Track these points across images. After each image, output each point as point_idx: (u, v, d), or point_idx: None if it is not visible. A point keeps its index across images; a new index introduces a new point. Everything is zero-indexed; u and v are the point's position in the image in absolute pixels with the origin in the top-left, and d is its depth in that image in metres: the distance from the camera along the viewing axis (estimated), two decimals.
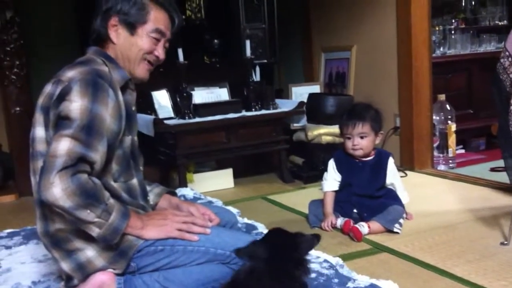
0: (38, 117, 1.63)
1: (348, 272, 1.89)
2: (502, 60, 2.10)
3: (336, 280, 1.83)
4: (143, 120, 3.11)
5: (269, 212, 2.85)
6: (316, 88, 4.18)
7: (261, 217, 2.70)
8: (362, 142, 2.39)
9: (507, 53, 2.09)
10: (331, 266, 1.94)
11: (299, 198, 3.04)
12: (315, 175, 3.40)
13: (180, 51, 3.15)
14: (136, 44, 1.72)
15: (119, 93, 1.66)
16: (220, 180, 3.43)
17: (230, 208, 2.78)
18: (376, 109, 2.43)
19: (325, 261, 1.99)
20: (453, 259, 2.01)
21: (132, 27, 1.71)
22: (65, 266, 1.67)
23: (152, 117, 3.13)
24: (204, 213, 1.84)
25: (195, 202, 2.97)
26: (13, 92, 3.51)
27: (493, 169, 3.50)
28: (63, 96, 1.54)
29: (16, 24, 3.45)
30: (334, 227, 2.43)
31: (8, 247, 2.47)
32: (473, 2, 4.77)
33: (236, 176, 3.53)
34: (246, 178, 3.64)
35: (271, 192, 3.26)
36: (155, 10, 1.73)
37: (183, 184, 3.22)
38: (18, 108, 3.50)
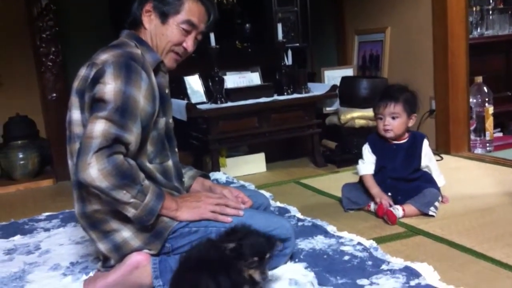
0: (74, 100, 1.65)
1: (382, 254, 1.87)
2: None
3: (370, 263, 1.81)
4: (176, 105, 3.12)
5: (302, 196, 2.84)
6: (349, 72, 4.13)
7: (294, 200, 2.69)
8: (393, 122, 2.35)
9: None
10: (365, 249, 1.92)
11: (332, 182, 3.02)
12: (348, 159, 3.37)
13: (212, 36, 3.14)
14: (166, 34, 1.72)
15: (152, 75, 1.67)
16: (252, 164, 3.44)
17: (263, 191, 2.80)
18: (411, 91, 2.38)
19: (359, 243, 1.97)
20: (490, 242, 1.97)
21: (164, 15, 1.71)
22: (102, 247, 1.70)
23: (185, 101, 3.14)
24: (237, 196, 1.86)
25: (228, 186, 3.01)
26: (50, 78, 3.58)
27: None
28: (97, 79, 1.57)
29: (51, 11, 3.51)
30: (368, 210, 2.41)
31: (46, 230, 2.54)
32: None
33: (268, 160, 3.52)
34: (278, 162, 3.63)
35: (304, 176, 3.25)
36: (190, 1, 1.72)
37: (216, 168, 3.24)
38: (54, 95, 3.58)
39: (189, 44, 1.76)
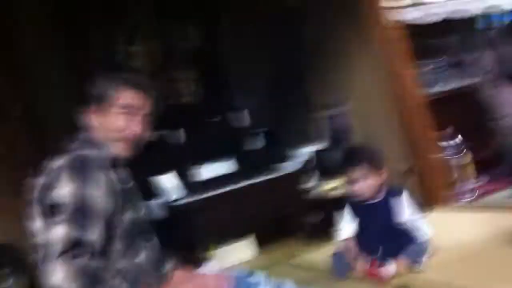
0: (35, 209, 1.64)
1: None
2: None
3: None
4: (154, 205, 3.13)
5: (295, 274, 2.78)
6: (321, 146, 4.17)
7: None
8: (362, 185, 2.36)
9: None
10: None
11: (324, 254, 2.96)
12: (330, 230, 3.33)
13: (181, 132, 3.21)
14: (111, 124, 1.75)
15: (109, 172, 1.68)
16: (242, 251, 3.38)
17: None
18: (372, 149, 2.41)
19: None
20: None
21: (104, 109, 1.75)
22: None
23: (160, 201, 3.15)
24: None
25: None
26: None
27: None
28: (54, 183, 1.57)
29: None
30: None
31: None
32: None
33: (260, 242, 3.49)
34: (269, 244, 3.54)
35: (295, 254, 3.20)
36: (124, 90, 1.76)
37: (204, 260, 3.18)
38: None
39: (135, 128, 1.76)
